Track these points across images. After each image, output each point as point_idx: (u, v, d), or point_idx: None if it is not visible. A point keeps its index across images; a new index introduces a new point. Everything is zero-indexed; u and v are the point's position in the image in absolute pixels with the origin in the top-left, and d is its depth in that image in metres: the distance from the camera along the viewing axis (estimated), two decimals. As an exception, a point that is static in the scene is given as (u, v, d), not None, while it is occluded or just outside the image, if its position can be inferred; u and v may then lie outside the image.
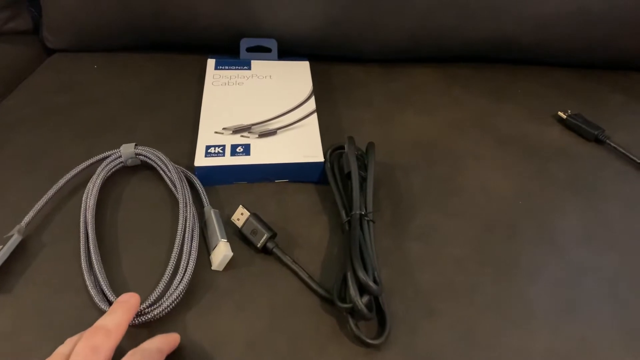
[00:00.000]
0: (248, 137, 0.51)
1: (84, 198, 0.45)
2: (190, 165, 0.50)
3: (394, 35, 0.65)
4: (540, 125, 0.60)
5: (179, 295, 0.39)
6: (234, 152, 0.49)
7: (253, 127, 0.53)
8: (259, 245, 0.43)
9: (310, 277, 0.42)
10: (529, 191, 0.51)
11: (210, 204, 0.47)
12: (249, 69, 0.62)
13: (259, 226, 0.44)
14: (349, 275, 0.38)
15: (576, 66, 0.70)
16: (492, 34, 0.65)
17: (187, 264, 0.41)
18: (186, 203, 0.45)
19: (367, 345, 0.38)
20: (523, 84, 0.66)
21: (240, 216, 0.45)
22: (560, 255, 0.45)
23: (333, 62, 0.69)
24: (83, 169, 0.48)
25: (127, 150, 0.49)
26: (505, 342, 0.39)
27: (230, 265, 0.43)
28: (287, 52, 0.66)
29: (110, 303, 0.38)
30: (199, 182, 0.48)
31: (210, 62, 0.63)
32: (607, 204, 0.50)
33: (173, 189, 0.47)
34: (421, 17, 0.63)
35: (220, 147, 0.50)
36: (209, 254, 0.43)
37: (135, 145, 0.49)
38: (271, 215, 0.47)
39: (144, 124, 0.57)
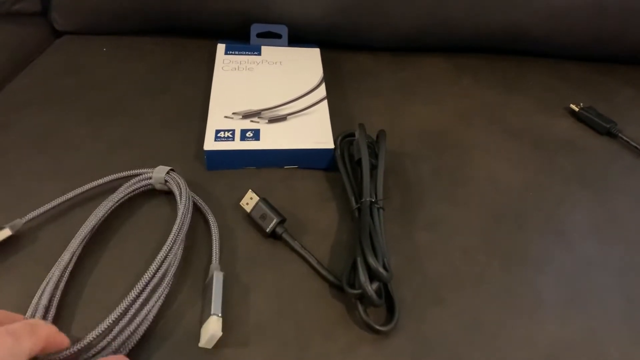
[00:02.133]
0: (258, 122, 0.51)
1: (93, 213, 0.42)
2: (198, 151, 0.49)
3: (404, 23, 0.65)
4: (551, 117, 0.59)
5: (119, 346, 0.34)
6: (243, 137, 0.49)
7: (263, 112, 0.52)
8: (267, 230, 0.43)
9: (319, 262, 0.41)
10: (538, 183, 0.51)
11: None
12: (259, 54, 0.62)
13: (268, 211, 0.44)
14: (359, 261, 0.38)
15: (587, 59, 0.69)
16: (503, 25, 0.64)
17: (143, 308, 0.36)
18: (175, 238, 0.40)
19: (376, 331, 0.38)
20: (533, 76, 0.66)
21: (250, 200, 0.44)
22: (568, 247, 0.45)
23: (343, 50, 0.69)
24: (107, 182, 0.45)
25: (159, 174, 0.45)
26: (511, 332, 0.39)
27: (239, 250, 0.43)
28: (297, 39, 0.66)
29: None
30: (215, 224, 0.43)
31: (220, 47, 0.62)
32: (616, 198, 0.50)
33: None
34: (431, 5, 0.63)
35: (230, 132, 0.50)
36: (200, 323, 0.37)
37: (170, 170, 0.45)
38: (280, 201, 0.46)
39: (152, 107, 0.57)
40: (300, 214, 0.46)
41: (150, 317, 0.36)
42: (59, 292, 0.37)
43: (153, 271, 0.37)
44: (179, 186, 0.44)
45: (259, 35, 0.65)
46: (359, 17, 0.65)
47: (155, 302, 0.37)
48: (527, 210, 0.48)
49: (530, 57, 0.69)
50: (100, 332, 0.34)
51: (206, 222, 0.44)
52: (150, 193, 0.47)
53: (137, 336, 0.35)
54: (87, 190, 0.45)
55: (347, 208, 0.46)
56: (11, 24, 0.71)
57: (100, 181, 0.45)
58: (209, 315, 0.36)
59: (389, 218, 0.46)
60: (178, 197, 0.43)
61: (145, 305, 0.36)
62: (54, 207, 0.44)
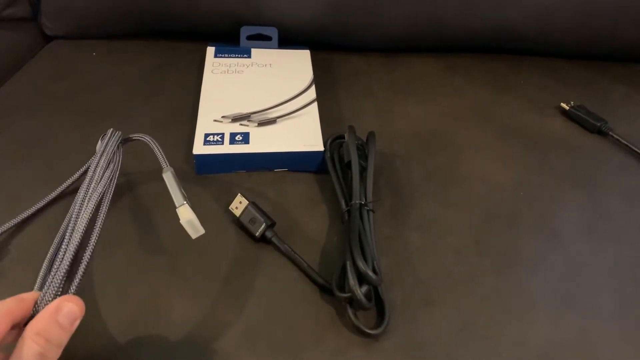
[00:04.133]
0: (247, 125, 0.51)
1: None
2: (188, 155, 0.49)
3: (395, 24, 0.65)
4: (542, 116, 0.59)
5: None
6: (232, 141, 0.49)
7: (252, 115, 0.52)
8: (257, 234, 0.43)
9: (309, 266, 0.41)
10: (530, 182, 0.51)
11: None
12: (249, 57, 0.61)
13: (257, 215, 0.43)
14: (348, 264, 0.38)
15: (579, 57, 0.69)
16: (494, 24, 0.64)
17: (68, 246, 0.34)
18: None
19: (366, 335, 0.37)
20: (525, 75, 0.66)
21: (239, 204, 0.44)
22: (560, 247, 0.45)
23: (334, 51, 0.69)
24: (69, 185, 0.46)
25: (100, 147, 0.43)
26: (503, 333, 0.39)
27: (229, 254, 0.42)
28: (287, 41, 0.65)
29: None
30: (156, 146, 0.42)
31: (210, 50, 0.62)
32: (607, 196, 0.50)
33: None
34: (422, 6, 0.63)
35: (219, 136, 0.49)
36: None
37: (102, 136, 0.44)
38: (270, 204, 0.46)
39: (142, 111, 0.57)
40: (291, 217, 0.46)
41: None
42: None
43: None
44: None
45: (249, 37, 0.64)
46: (349, 17, 0.65)
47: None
48: (519, 210, 0.48)
49: (521, 56, 0.69)
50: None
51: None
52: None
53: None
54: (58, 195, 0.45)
55: (338, 210, 0.46)
56: (1, 29, 0.71)
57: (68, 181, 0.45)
58: (176, 209, 0.36)
59: (380, 219, 0.46)
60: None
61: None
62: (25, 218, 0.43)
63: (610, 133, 0.56)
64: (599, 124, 0.57)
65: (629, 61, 0.69)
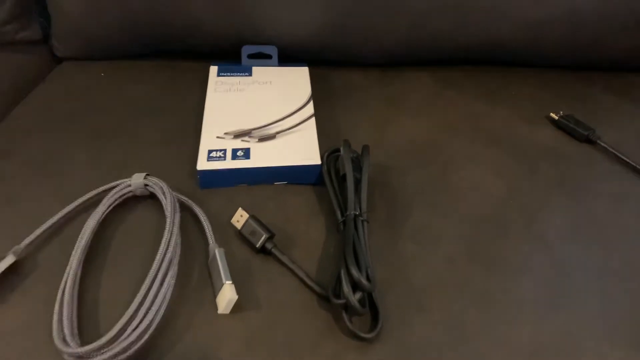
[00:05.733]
0: (248, 141, 0.54)
1: (83, 229, 0.45)
2: (192, 170, 0.52)
3: (389, 40, 0.67)
4: (532, 126, 0.62)
5: (143, 331, 0.38)
6: (234, 156, 0.52)
7: (253, 131, 0.55)
8: (257, 245, 0.45)
9: (307, 275, 0.44)
10: (520, 189, 0.53)
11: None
12: (250, 75, 0.64)
13: (257, 227, 0.46)
14: (343, 272, 0.40)
15: (568, 68, 0.71)
16: (485, 38, 0.67)
17: (157, 295, 0.40)
18: (170, 232, 0.43)
19: (361, 339, 0.40)
20: (516, 86, 0.68)
21: (240, 218, 0.47)
22: (547, 251, 0.47)
23: (332, 66, 0.71)
24: (94, 196, 0.49)
25: (137, 180, 0.49)
26: (492, 335, 0.41)
27: (231, 265, 0.45)
28: (287, 58, 0.68)
29: (64, 339, 0.38)
30: (204, 217, 0.47)
31: (213, 69, 0.65)
32: (595, 202, 0.52)
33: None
34: (415, 22, 0.65)
35: (222, 152, 0.52)
36: (215, 295, 0.42)
37: (147, 175, 0.49)
38: (270, 216, 0.49)
39: (149, 128, 0.60)
40: (290, 228, 0.49)
41: (164, 304, 0.40)
42: (75, 301, 0.41)
43: (159, 263, 0.42)
44: (160, 186, 0.48)
45: (250, 56, 0.67)
46: (346, 35, 0.67)
47: (166, 291, 0.41)
48: (509, 217, 0.50)
49: (512, 68, 0.71)
50: (122, 323, 0.38)
51: (193, 215, 0.49)
52: (133, 201, 0.50)
53: (156, 322, 0.39)
54: (73, 209, 0.48)
55: (335, 221, 0.49)
56: (14, 52, 0.74)
57: (84, 197, 0.49)
58: (222, 284, 0.41)
59: (374, 229, 0.48)
60: (162, 195, 0.48)
61: (158, 293, 0.40)
62: (46, 229, 0.46)
63: (599, 141, 0.59)
64: (587, 133, 0.59)
65: (616, 70, 0.71)
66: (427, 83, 0.69)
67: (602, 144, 0.58)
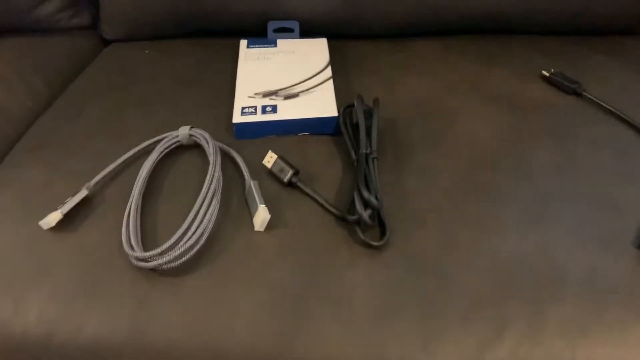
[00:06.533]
0: (275, 99, 0.63)
1: (141, 169, 0.55)
2: (228, 126, 0.61)
3: (398, 12, 0.76)
4: (525, 83, 0.69)
5: (195, 242, 0.48)
6: (264, 111, 0.61)
7: (279, 91, 0.64)
8: (285, 180, 0.54)
9: (326, 201, 0.53)
10: (510, 136, 0.61)
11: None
12: (275, 46, 0.73)
13: (284, 165, 0.55)
14: (355, 194, 0.49)
15: (561, 33, 0.78)
16: (485, 8, 0.75)
17: (205, 216, 0.49)
18: (214, 169, 0.53)
19: (371, 247, 0.49)
20: (512, 50, 0.76)
21: (270, 159, 0.56)
22: (531, 183, 0.55)
23: (348, 39, 0.80)
24: (148, 145, 0.59)
25: (183, 131, 0.58)
26: (480, 246, 0.49)
27: (264, 196, 0.54)
28: (307, 32, 0.77)
29: (131, 247, 0.48)
30: (240, 159, 0.57)
31: (243, 43, 0.74)
32: (576, 143, 0.59)
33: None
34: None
35: (253, 108, 0.61)
36: (251, 217, 0.52)
37: (191, 127, 0.58)
38: (295, 161, 0.57)
39: (188, 96, 0.69)
40: (312, 169, 0.58)
41: (212, 222, 0.50)
42: (138, 221, 0.51)
43: (205, 190, 0.51)
44: (203, 135, 0.58)
45: (275, 30, 0.76)
46: (359, 10, 0.76)
47: (212, 213, 0.51)
48: (499, 158, 0.58)
49: (509, 35, 0.79)
50: (178, 236, 0.48)
51: (232, 160, 0.58)
52: (181, 150, 0.60)
53: (205, 236, 0.49)
54: (131, 155, 0.58)
55: (350, 163, 0.57)
56: (69, 36, 0.85)
57: (141, 146, 0.59)
58: (257, 207, 0.50)
59: (383, 168, 0.57)
60: (205, 142, 0.57)
61: (206, 214, 0.50)
62: (110, 171, 0.56)
63: (584, 93, 0.66)
64: (574, 86, 0.66)
65: (604, 34, 0.78)
66: (433, 50, 0.77)
67: (588, 95, 0.65)
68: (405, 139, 0.61)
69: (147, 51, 0.80)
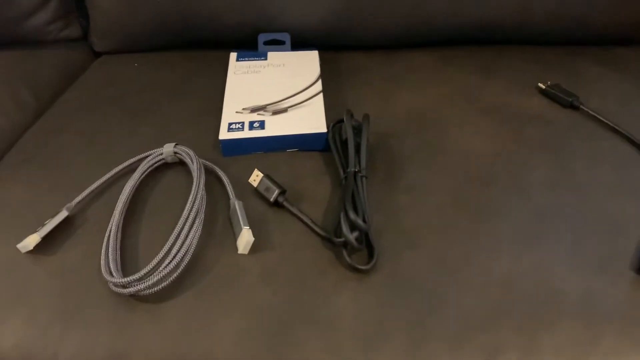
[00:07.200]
0: (263, 114, 0.61)
1: (123, 189, 0.53)
2: (215, 141, 0.60)
3: (391, 24, 0.74)
4: (522, 95, 0.67)
5: (175, 266, 0.46)
6: (251, 127, 0.59)
7: (267, 106, 0.62)
8: (271, 199, 0.53)
9: (313, 221, 0.51)
10: (506, 150, 0.59)
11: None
12: (266, 59, 0.72)
13: (271, 184, 0.53)
14: (342, 215, 0.48)
15: (557, 43, 0.77)
16: (478, 18, 0.73)
17: (187, 238, 0.48)
18: (197, 188, 0.51)
19: (358, 270, 0.47)
20: (508, 61, 0.74)
21: (256, 177, 0.54)
22: (526, 200, 0.53)
23: (340, 50, 0.79)
24: (132, 163, 0.58)
25: (168, 149, 0.57)
26: (472, 267, 0.47)
27: (250, 216, 0.52)
28: (299, 44, 0.76)
29: (110, 272, 0.46)
30: (226, 177, 0.55)
31: (233, 55, 0.73)
32: (574, 159, 0.58)
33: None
34: (414, 6, 0.72)
35: (240, 124, 0.60)
36: (235, 239, 0.50)
37: (176, 144, 0.57)
38: (283, 177, 0.56)
39: (178, 108, 0.68)
40: (300, 187, 0.56)
41: (193, 244, 0.48)
42: (118, 244, 0.50)
43: (188, 210, 0.49)
44: (188, 153, 0.56)
45: (266, 43, 0.75)
46: (351, 21, 0.75)
47: (195, 234, 0.49)
48: (494, 173, 0.57)
49: (505, 46, 0.77)
50: (158, 259, 0.46)
51: (217, 178, 0.57)
52: (165, 167, 0.59)
53: (186, 259, 0.47)
54: (115, 173, 0.57)
55: (339, 180, 0.56)
56: (59, 48, 0.84)
57: (124, 164, 0.57)
58: (241, 229, 0.49)
59: (374, 185, 0.55)
60: (189, 160, 0.55)
61: (188, 236, 0.48)
62: (92, 190, 0.55)
63: (582, 107, 0.64)
64: (571, 99, 0.65)
65: (603, 44, 0.76)
66: (427, 62, 0.75)
67: (585, 108, 0.64)
68: (397, 154, 0.60)
69: (136, 64, 0.78)
